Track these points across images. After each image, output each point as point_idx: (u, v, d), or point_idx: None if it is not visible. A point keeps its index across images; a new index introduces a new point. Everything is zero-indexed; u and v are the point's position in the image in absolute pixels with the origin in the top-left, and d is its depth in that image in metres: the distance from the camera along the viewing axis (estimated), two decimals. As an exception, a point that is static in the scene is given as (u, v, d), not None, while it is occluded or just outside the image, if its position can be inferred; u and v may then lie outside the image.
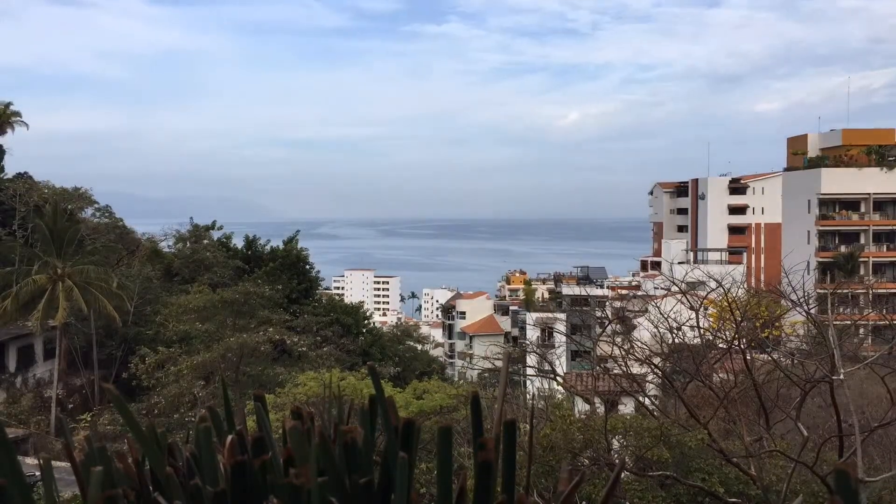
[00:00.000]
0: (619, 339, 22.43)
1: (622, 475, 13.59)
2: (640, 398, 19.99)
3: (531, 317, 64.14)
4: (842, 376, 13.15)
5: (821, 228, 76.90)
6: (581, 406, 25.15)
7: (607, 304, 46.93)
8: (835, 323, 15.24)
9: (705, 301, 21.85)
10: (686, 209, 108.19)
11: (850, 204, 77.54)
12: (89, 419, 38.56)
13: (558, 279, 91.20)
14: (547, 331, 46.58)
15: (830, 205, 77.61)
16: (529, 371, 31.02)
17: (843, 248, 75.69)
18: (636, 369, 20.42)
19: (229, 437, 1.43)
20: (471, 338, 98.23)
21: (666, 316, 20.57)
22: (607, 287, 74.90)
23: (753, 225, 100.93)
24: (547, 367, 25.92)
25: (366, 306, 79.38)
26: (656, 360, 19.57)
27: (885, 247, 76.90)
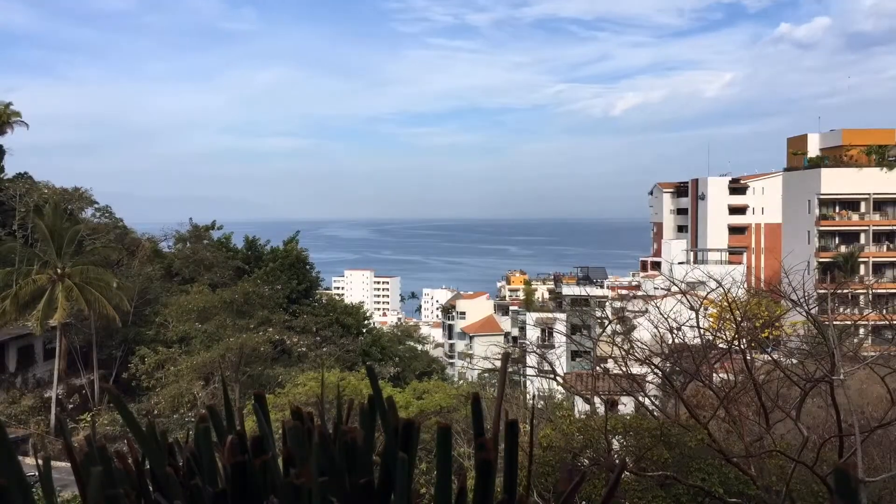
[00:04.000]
0: (619, 339, 22.42)
1: (622, 475, 13.58)
2: (640, 398, 19.99)
3: (531, 317, 64.18)
4: (842, 376, 13.16)
5: (821, 228, 76.92)
6: (581, 406, 25.16)
7: (607, 304, 46.95)
8: (835, 323, 15.24)
9: (705, 301, 21.85)
10: (686, 209, 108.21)
11: (850, 204, 77.54)
12: (89, 419, 38.59)
13: (558, 279, 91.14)
14: (547, 331, 46.61)
15: (830, 205, 77.63)
16: (529, 371, 31.02)
17: (843, 248, 75.70)
18: (636, 369, 20.42)
19: (229, 437, 1.43)
20: (471, 338, 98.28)
21: (666, 316, 20.56)
22: (607, 287, 74.91)
23: (753, 225, 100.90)
24: (547, 367, 25.91)
25: (366, 306, 79.37)
26: (656, 360, 19.56)
27: (885, 247, 76.91)
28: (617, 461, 14.63)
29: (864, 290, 61.46)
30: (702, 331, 19.86)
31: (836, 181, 76.39)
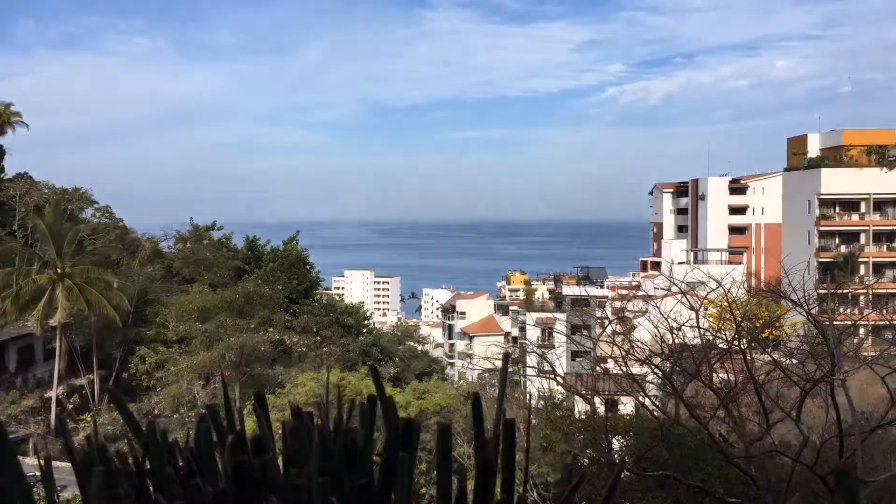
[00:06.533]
0: (619, 339, 22.41)
1: (622, 475, 13.58)
2: (640, 398, 19.98)
3: (531, 317, 64.19)
4: (842, 376, 13.16)
5: (821, 228, 76.94)
6: (581, 406, 25.15)
7: (607, 303, 46.96)
8: (835, 323, 15.24)
9: (705, 301, 21.84)
10: (686, 209, 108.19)
11: (850, 204, 77.57)
12: (89, 419, 38.62)
13: (558, 279, 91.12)
14: (547, 331, 46.62)
15: (830, 205, 77.65)
16: (529, 371, 31.01)
17: (843, 249, 75.73)
18: (636, 369, 20.41)
19: (229, 437, 1.43)
20: (471, 338, 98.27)
21: (666, 316, 20.54)
22: (607, 287, 74.91)
23: (753, 225, 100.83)
24: (547, 367, 25.91)
25: (366, 306, 79.34)
26: (656, 360, 19.55)
27: (885, 247, 76.92)
28: (617, 461, 14.63)
29: (864, 290, 61.47)
30: (702, 331, 19.86)
31: (836, 181, 76.41)
